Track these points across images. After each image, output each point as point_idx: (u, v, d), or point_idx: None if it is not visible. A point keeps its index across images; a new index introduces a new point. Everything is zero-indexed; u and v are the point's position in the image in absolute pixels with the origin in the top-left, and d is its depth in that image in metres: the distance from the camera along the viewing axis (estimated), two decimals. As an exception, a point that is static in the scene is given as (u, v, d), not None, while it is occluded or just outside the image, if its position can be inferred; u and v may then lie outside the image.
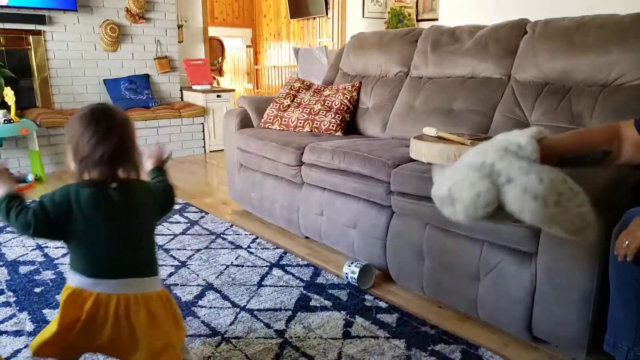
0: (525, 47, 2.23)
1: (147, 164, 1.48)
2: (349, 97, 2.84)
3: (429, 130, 2.04)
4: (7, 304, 1.87)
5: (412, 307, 1.87)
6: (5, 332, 1.67)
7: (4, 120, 3.42)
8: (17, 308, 1.84)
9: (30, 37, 4.29)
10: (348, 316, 1.78)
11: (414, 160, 1.98)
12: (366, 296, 1.93)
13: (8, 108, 3.52)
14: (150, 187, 1.36)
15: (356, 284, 2.00)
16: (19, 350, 1.57)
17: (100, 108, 1.24)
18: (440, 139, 1.95)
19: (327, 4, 6.27)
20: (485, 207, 1.08)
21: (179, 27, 5.24)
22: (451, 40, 2.56)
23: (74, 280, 1.23)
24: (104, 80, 4.68)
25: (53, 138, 4.09)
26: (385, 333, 1.67)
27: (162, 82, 5.09)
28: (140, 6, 4.72)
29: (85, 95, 4.59)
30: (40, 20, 4.27)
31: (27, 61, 4.32)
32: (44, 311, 1.81)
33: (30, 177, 3.67)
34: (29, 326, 1.71)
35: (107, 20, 4.60)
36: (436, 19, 4.96)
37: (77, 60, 4.55)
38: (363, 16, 5.65)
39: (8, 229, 2.66)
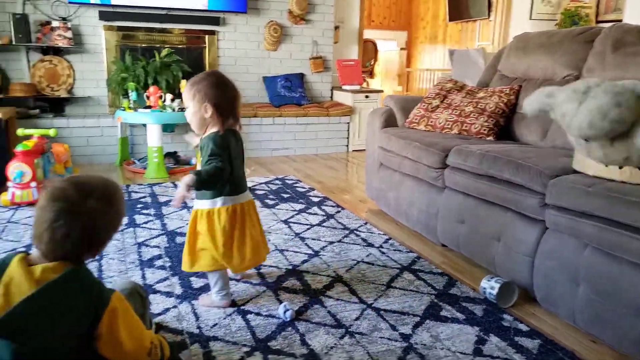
0: None
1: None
2: (505, 100, 2.63)
3: (599, 140, 1.79)
4: (163, 267, 2.09)
5: (558, 336, 1.65)
6: (159, 292, 1.87)
7: (178, 109, 3.85)
8: (171, 272, 2.04)
9: (206, 36, 4.78)
10: (482, 333, 1.64)
11: (577, 172, 1.75)
12: (504, 315, 1.76)
13: (182, 98, 3.96)
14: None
15: (495, 301, 1.83)
16: (167, 309, 1.74)
17: (221, 76, 1.77)
18: (612, 149, 1.69)
19: (490, 5, 5.94)
20: None
21: (336, 28, 5.40)
22: (639, 39, 2.21)
23: (218, 202, 1.69)
24: (263, 77, 5.02)
25: (216, 127, 4.50)
26: (524, 359, 1.50)
27: (314, 81, 5.30)
28: (302, 8, 4.96)
29: (246, 90, 4.95)
30: (216, 21, 4.74)
31: (202, 58, 4.82)
32: (192, 278, 1.98)
33: (194, 160, 4.08)
34: (178, 289, 1.89)
35: (272, 21, 4.93)
36: (620, 20, 4.36)
37: (242, 58, 4.95)
38: (530, 17, 5.21)
39: (171, 202, 2.98)
